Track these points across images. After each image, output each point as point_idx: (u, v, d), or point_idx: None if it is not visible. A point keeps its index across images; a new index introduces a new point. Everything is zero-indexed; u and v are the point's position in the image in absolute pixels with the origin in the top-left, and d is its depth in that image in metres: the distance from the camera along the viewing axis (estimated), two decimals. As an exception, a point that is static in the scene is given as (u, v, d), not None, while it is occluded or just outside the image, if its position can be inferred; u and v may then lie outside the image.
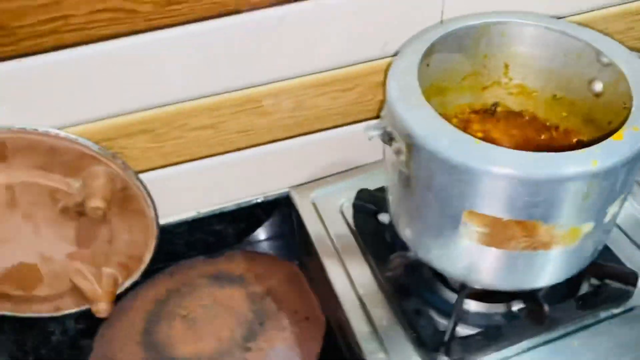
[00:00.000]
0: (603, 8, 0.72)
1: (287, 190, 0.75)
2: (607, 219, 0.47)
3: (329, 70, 0.67)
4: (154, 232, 0.70)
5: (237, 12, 0.58)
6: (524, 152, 0.42)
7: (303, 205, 0.69)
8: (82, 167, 0.62)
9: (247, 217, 0.79)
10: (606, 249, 0.59)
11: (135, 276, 0.73)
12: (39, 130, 0.59)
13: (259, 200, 0.77)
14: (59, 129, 0.60)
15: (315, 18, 0.61)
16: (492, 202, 0.44)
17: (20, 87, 0.57)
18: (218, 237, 0.80)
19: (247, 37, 0.60)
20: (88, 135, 0.61)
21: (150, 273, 0.75)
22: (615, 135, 0.43)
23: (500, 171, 0.42)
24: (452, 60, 0.58)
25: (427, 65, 0.57)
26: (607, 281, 0.57)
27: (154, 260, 0.73)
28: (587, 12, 0.71)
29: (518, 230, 0.45)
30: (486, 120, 0.61)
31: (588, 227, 0.46)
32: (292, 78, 0.66)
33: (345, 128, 0.73)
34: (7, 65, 0.54)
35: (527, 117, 0.61)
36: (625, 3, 0.72)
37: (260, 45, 0.61)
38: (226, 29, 0.59)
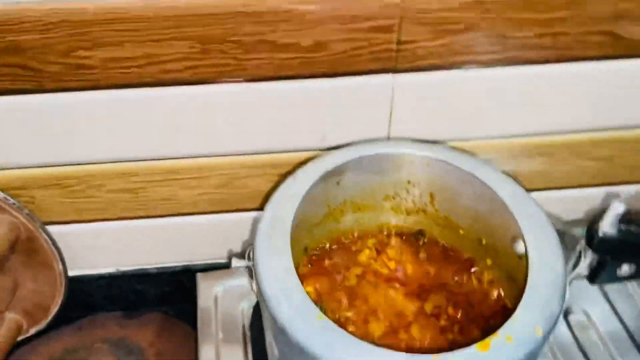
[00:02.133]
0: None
1: (215, 261, 0.70)
2: None
3: (262, 153, 0.61)
4: (61, 285, 0.68)
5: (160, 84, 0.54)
6: (361, 342, 0.35)
7: (204, 297, 0.63)
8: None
9: (170, 282, 0.74)
10: None
11: (42, 325, 0.70)
12: None
13: (181, 268, 0.72)
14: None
15: (246, 99, 0.56)
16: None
17: None
18: (139, 296, 0.76)
19: (167, 110, 0.57)
20: (3, 181, 0.60)
21: (62, 321, 0.72)
22: (480, 343, 0.35)
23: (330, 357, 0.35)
24: (369, 180, 0.51)
25: (338, 183, 0.51)
26: None
27: (68, 308, 0.70)
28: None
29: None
30: (406, 249, 0.54)
31: None
32: (219, 155, 0.61)
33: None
34: None
35: (451, 254, 0.54)
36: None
37: (182, 120, 0.57)
38: (144, 100, 0.55)
